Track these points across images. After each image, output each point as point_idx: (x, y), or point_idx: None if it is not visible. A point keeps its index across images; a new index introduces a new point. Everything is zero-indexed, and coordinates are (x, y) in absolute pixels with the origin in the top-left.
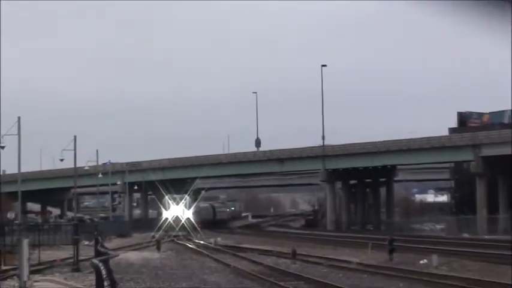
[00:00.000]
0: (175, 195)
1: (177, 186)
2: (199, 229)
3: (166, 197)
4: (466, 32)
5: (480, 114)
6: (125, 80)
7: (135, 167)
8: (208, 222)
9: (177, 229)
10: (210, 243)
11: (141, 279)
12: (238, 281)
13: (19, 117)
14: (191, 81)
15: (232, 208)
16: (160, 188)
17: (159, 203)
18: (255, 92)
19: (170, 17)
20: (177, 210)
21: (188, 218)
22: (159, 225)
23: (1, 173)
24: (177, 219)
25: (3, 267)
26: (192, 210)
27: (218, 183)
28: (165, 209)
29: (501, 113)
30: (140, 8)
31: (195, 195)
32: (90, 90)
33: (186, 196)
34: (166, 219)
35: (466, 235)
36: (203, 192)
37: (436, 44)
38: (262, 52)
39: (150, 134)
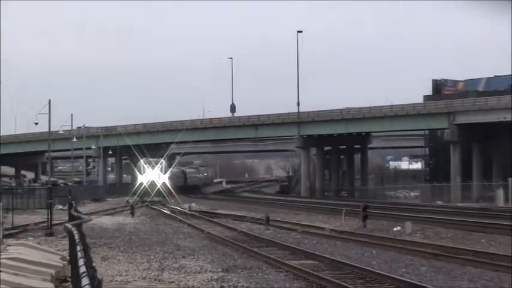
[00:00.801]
0: (150, 159)
1: (152, 152)
2: (175, 194)
3: (142, 161)
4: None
5: (455, 82)
6: (102, 46)
7: (109, 132)
8: (179, 188)
9: (152, 194)
10: (185, 209)
11: (114, 244)
12: (212, 246)
13: None
14: (169, 46)
15: (205, 174)
16: (136, 153)
17: (133, 167)
18: (230, 58)
19: None
20: (153, 175)
21: (164, 183)
22: (133, 190)
23: None
24: (152, 184)
25: None
26: (168, 174)
27: (193, 148)
28: (140, 173)
29: (476, 80)
30: None
31: (170, 161)
32: (68, 54)
33: (162, 160)
34: (141, 183)
35: (439, 202)
36: (178, 157)
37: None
38: (239, 17)
39: (126, 99)
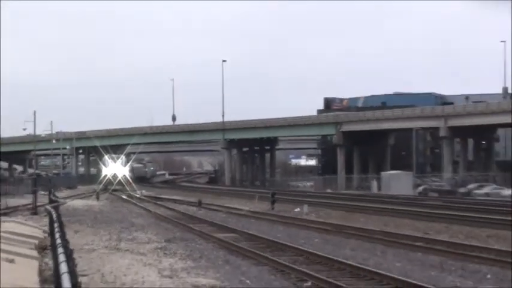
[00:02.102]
0: (113, 155)
1: (113, 151)
2: (132, 183)
3: (106, 156)
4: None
5: (341, 100)
6: (76, 66)
7: (81, 135)
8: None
9: (114, 184)
10: (137, 195)
11: (83, 221)
12: (157, 223)
13: None
14: (131, 63)
15: (151, 168)
16: (101, 151)
17: (100, 162)
18: (172, 79)
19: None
20: (115, 168)
21: (124, 175)
22: (99, 180)
23: None
24: (114, 175)
25: None
26: (127, 167)
27: (144, 148)
28: (105, 166)
29: (357, 99)
30: None
31: (127, 158)
32: (50, 73)
33: (123, 156)
34: (106, 175)
35: (329, 190)
36: (133, 155)
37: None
38: (174, 39)
39: (95, 108)
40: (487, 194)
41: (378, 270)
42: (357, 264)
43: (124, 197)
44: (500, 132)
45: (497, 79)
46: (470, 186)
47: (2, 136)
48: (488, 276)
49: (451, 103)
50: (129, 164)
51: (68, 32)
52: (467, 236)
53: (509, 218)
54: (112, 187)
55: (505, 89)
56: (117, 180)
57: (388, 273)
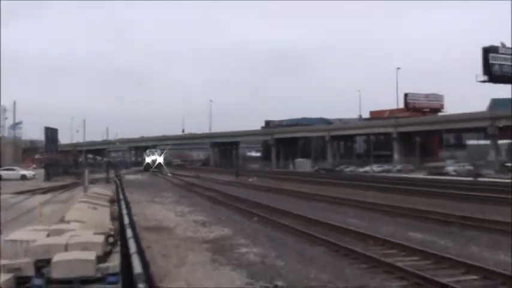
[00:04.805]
0: (152, 149)
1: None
2: (164, 166)
3: (147, 150)
4: None
5: (280, 121)
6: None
7: (132, 140)
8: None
9: (153, 167)
10: (165, 173)
11: (134, 186)
12: (174, 188)
13: None
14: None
15: (171, 157)
16: (143, 148)
17: (144, 154)
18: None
19: None
20: (153, 157)
21: (159, 162)
22: (144, 164)
23: None
24: (153, 161)
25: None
26: (162, 156)
27: (165, 146)
28: (147, 156)
29: (283, 120)
30: None
31: (161, 151)
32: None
33: (158, 150)
34: (147, 162)
35: (267, 169)
36: (166, 150)
37: None
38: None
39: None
40: (350, 171)
41: (258, 201)
42: (263, 202)
43: (158, 174)
44: (359, 138)
45: (356, 108)
46: (341, 166)
47: (87, 140)
48: (351, 214)
49: (331, 123)
50: (161, 155)
51: None
52: (342, 192)
53: (357, 183)
54: (151, 169)
55: (360, 115)
56: (155, 164)
57: (277, 206)
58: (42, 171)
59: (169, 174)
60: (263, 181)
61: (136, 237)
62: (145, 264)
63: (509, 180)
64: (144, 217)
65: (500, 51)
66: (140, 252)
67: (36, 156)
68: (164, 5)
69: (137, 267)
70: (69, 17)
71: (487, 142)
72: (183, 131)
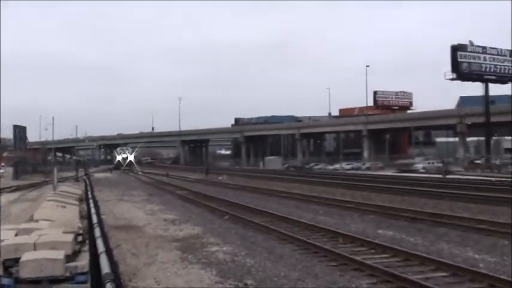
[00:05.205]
0: (123, 147)
1: (119, 147)
2: (134, 164)
3: (118, 148)
4: None
5: (249, 119)
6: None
7: (101, 138)
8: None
9: (124, 165)
10: (136, 171)
11: (103, 184)
12: (143, 186)
13: None
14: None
15: (141, 156)
16: (113, 146)
17: (114, 152)
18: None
19: None
20: (123, 155)
21: (130, 160)
22: (114, 162)
23: None
24: (123, 159)
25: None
26: (132, 155)
27: (135, 144)
28: (118, 154)
29: (251, 118)
30: None
31: (132, 149)
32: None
33: (129, 148)
34: (118, 160)
35: (237, 167)
36: (130, 148)
37: None
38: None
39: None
40: (319, 169)
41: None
42: (233, 200)
43: (128, 172)
44: (328, 135)
45: (326, 106)
46: (311, 164)
47: (57, 138)
48: (321, 212)
49: (301, 121)
50: (131, 153)
51: None
52: (312, 189)
53: (326, 180)
54: (122, 167)
55: (329, 113)
56: (126, 162)
57: (244, 203)
58: (10, 169)
59: (140, 173)
60: (233, 179)
61: (104, 236)
62: (113, 263)
63: (478, 177)
64: (114, 216)
65: (468, 49)
66: (108, 251)
67: (5, 154)
68: (135, 5)
69: (105, 267)
70: (36, 14)
71: (456, 139)
72: (152, 129)
